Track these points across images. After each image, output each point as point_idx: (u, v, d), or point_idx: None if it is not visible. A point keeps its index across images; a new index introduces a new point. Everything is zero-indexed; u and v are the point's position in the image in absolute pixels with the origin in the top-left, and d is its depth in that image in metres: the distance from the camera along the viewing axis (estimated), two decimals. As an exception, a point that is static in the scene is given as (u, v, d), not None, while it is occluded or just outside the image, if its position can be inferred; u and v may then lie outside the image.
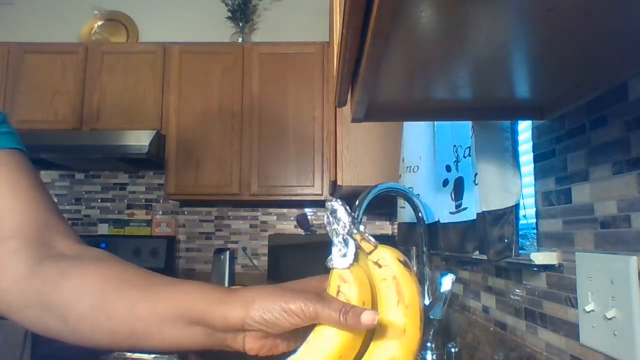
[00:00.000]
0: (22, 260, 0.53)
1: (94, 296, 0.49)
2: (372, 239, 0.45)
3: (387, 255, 0.44)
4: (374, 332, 0.43)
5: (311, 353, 0.41)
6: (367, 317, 0.39)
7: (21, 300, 0.52)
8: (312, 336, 0.42)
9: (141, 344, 0.48)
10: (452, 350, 1.04)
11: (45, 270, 0.53)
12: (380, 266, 0.44)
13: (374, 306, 0.44)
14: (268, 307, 0.42)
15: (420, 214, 1.18)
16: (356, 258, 0.45)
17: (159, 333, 0.47)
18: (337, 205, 0.45)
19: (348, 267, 0.44)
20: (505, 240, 0.80)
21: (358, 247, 0.45)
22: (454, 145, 1.08)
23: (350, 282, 0.43)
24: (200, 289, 0.47)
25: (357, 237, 0.45)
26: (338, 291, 0.43)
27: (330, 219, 0.45)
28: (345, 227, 0.44)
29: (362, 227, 0.45)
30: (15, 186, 0.57)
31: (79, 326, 0.50)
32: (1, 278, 0.53)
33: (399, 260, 0.44)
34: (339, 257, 0.44)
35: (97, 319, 0.49)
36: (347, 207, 0.45)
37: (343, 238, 0.44)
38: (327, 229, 0.45)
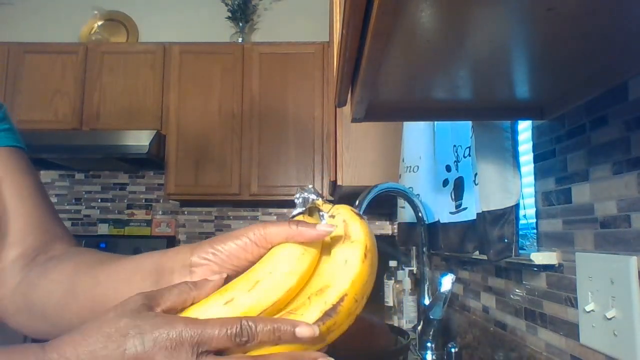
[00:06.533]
0: (17, 270, 0.54)
1: (66, 283, 0.50)
2: (330, 203, 0.47)
3: (340, 207, 0.46)
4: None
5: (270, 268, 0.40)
6: (321, 226, 0.41)
7: (13, 306, 0.53)
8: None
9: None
10: (452, 350, 1.04)
11: (31, 274, 0.53)
12: (333, 216, 0.45)
13: (324, 248, 0.44)
14: (217, 240, 0.43)
15: (420, 214, 1.18)
16: (311, 212, 0.47)
17: (114, 294, 0.46)
18: (308, 187, 0.48)
19: (302, 213, 0.45)
20: (505, 240, 0.80)
21: (319, 211, 0.46)
22: (454, 145, 1.08)
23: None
24: (159, 251, 0.48)
25: (318, 202, 0.46)
26: None
27: (298, 194, 0.47)
28: (308, 194, 0.47)
29: (318, 196, 0.48)
30: (20, 188, 0.57)
31: (55, 318, 0.50)
32: None
33: (351, 210, 0.45)
34: (295, 210, 0.46)
35: (67, 302, 0.49)
36: (313, 186, 0.48)
37: (303, 198, 0.46)
38: (295, 200, 0.47)
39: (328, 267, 0.41)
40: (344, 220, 0.43)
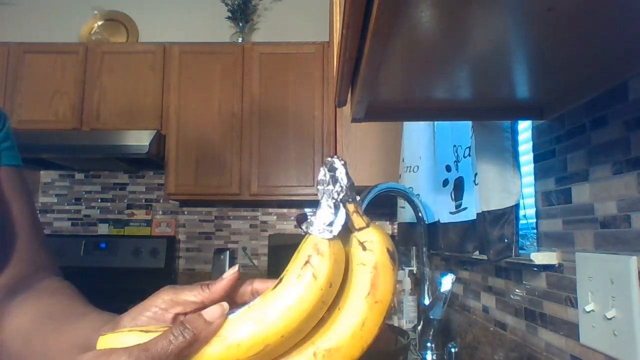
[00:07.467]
0: None
1: (24, 332, 0.51)
2: (366, 217, 0.39)
3: (376, 240, 0.38)
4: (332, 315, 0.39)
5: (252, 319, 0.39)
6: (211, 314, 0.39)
7: None
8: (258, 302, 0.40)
9: None
10: (452, 350, 1.04)
11: (4, 309, 0.54)
12: (364, 249, 0.38)
13: (342, 289, 0.39)
14: (130, 316, 0.42)
15: (420, 214, 1.18)
16: (342, 231, 0.38)
17: None
18: (339, 164, 0.39)
19: (329, 239, 0.38)
20: (505, 240, 0.80)
21: (348, 220, 0.38)
22: (454, 145, 1.08)
23: (325, 256, 0.37)
24: (102, 318, 0.48)
25: (351, 207, 0.38)
26: (306, 262, 0.37)
27: (327, 176, 0.38)
28: (341, 191, 0.38)
29: (358, 198, 0.39)
30: (17, 213, 0.58)
31: None
32: None
33: (387, 249, 0.38)
34: (323, 225, 0.38)
35: (22, 353, 0.50)
36: (348, 170, 0.38)
37: (334, 204, 0.38)
38: (319, 187, 0.38)
39: (345, 319, 0.38)
40: (375, 267, 0.38)
